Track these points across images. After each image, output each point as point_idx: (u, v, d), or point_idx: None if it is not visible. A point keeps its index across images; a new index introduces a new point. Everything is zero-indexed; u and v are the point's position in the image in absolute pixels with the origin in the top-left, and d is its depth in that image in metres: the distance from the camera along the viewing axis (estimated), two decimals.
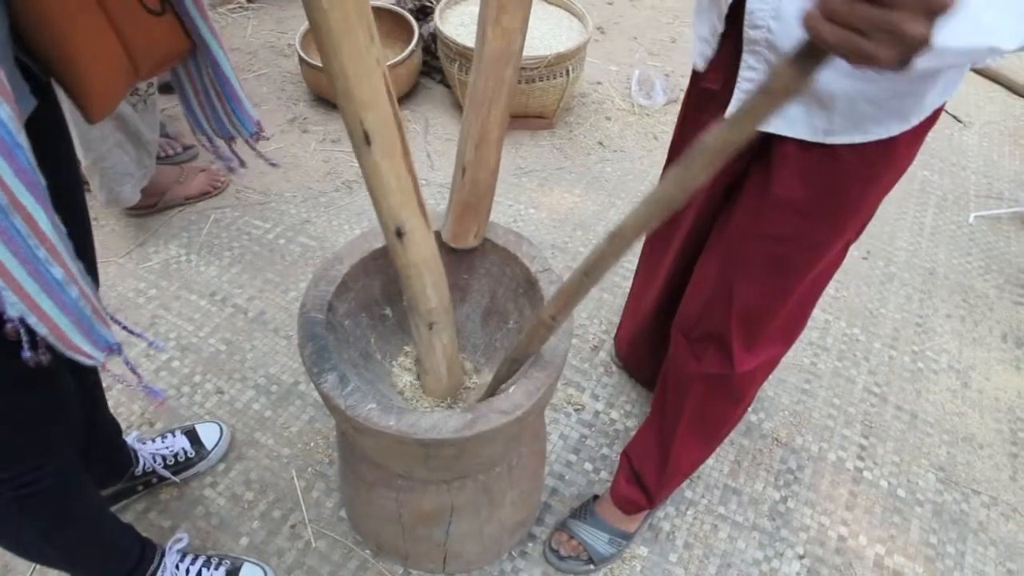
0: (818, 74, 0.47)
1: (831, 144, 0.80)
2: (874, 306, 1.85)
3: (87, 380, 1.04)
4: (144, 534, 1.23)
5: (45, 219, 0.54)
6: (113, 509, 1.26)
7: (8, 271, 0.53)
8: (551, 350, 0.93)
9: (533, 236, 1.92)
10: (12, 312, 0.55)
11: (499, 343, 1.11)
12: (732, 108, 0.82)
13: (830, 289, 1.87)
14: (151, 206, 1.85)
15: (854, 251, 2.00)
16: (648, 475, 1.23)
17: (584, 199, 2.09)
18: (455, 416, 0.86)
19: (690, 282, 1.09)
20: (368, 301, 1.06)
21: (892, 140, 0.79)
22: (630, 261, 1.84)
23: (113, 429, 1.19)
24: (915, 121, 0.79)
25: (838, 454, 1.52)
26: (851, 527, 1.40)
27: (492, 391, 1.01)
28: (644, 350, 1.48)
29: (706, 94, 0.93)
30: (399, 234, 0.82)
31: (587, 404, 1.56)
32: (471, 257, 1.08)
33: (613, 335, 1.66)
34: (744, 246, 0.95)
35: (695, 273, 1.08)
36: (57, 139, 0.76)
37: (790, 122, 0.80)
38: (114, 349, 0.67)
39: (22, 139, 0.51)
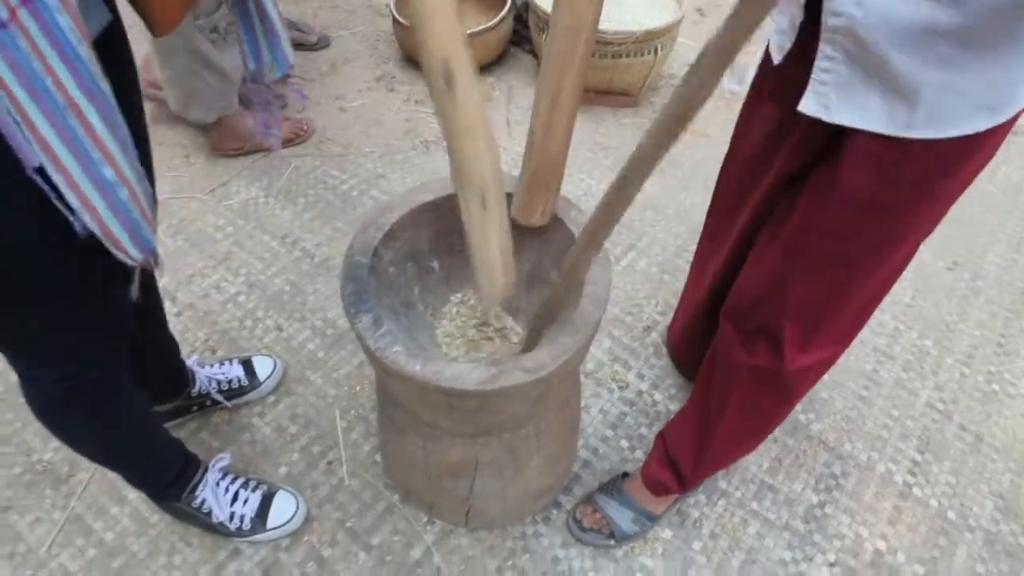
0: None
1: (908, 139, 0.75)
2: (952, 320, 1.74)
3: (148, 298, 1.12)
4: (192, 450, 1.32)
5: (99, 122, 0.58)
6: (169, 425, 1.36)
7: (64, 167, 0.57)
8: (582, 316, 0.93)
9: None
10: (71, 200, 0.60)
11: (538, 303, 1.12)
12: (807, 98, 0.78)
13: (905, 297, 1.77)
14: (237, 149, 1.94)
15: (939, 261, 1.89)
16: (683, 460, 1.21)
17: (658, 181, 2.04)
18: (479, 369, 0.87)
19: (743, 270, 1.06)
20: (415, 251, 1.09)
21: (976, 136, 0.74)
22: (694, 247, 1.80)
23: (171, 348, 1.27)
24: (1006, 115, 0.73)
25: (888, 466, 1.45)
26: (891, 542, 1.34)
27: (532, 342, 1.02)
28: (693, 346, 1.45)
29: (776, 84, 0.89)
30: (448, 79, 0.69)
31: (632, 382, 1.55)
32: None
33: (670, 318, 1.63)
34: (806, 241, 0.91)
35: (749, 262, 1.05)
36: (121, 59, 0.80)
37: (867, 114, 0.75)
38: (151, 253, 0.72)
39: (83, 50, 0.55)
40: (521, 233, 1.10)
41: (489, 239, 0.83)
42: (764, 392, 1.09)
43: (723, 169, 1.21)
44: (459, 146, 0.75)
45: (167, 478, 1.15)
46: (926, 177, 0.79)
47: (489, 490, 1.18)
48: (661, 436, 1.29)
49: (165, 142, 2.00)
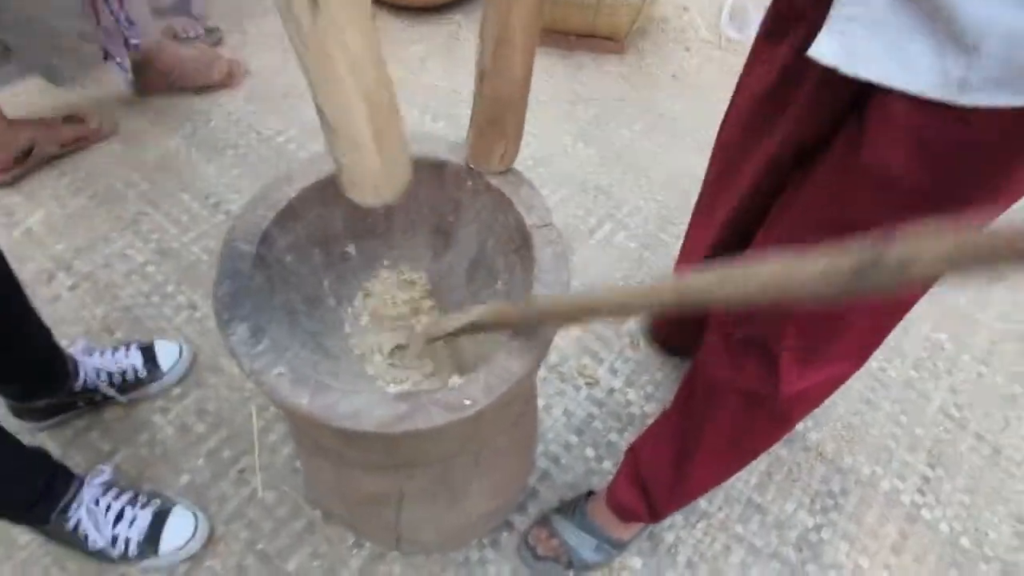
0: None
1: (962, 106, 0.52)
2: (971, 311, 1.54)
3: None
4: (79, 456, 1.11)
5: None
6: (49, 423, 1.14)
7: None
8: (536, 330, 0.71)
9: (575, 174, 1.66)
10: None
11: (484, 303, 0.90)
12: (821, 39, 0.56)
13: None
14: (159, 87, 1.67)
15: None
16: (656, 487, 1.01)
17: (643, 138, 1.80)
18: (384, 404, 0.66)
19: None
20: (324, 235, 0.85)
21: None
22: (682, 219, 1.57)
23: (39, 334, 1.04)
24: None
25: (893, 483, 1.26)
26: (894, 574, 1.16)
27: (442, 334, 0.79)
28: (680, 324, 1.24)
29: (788, 18, 0.66)
30: None
31: (602, 379, 1.34)
32: (459, 195, 0.86)
33: None
34: (816, 232, 0.69)
35: (747, 252, 0.83)
36: None
37: (906, 66, 0.53)
38: None
39: None
40: (464, 212, 0.87)
41: (335, 65, 0.48)
42: (753, 418, 0.88)
43: (720, 131, 0.98)
44: None
45: (24, 498, 0.94)
46: (986, 161, 0.57)
47: (420, 519, 0.97)
48: (632, 452, 1.08)
49: None
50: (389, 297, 0.93)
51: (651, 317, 1.39)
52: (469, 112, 0.78)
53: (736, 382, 0.84)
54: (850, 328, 0.75)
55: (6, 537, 1.06)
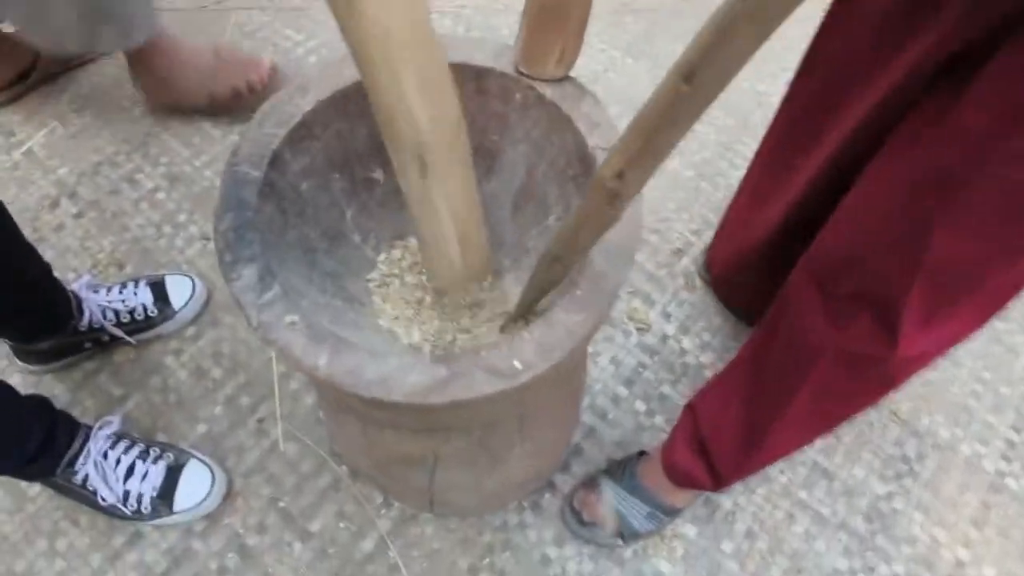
0: None
1: None
2: None
3: None
4: (89, 401, 1.03)
5: None
6: (55, 366, 1.05)
7: None
8: (593, 281, 0.58)
9: (624, 93, 1.49)
10: None
11: (533, 243, 0.76)
12: None
13: None
14: (169, 103, 1.35)
15: None
16: (721, 451, 0.89)
17: None
18: (419, 368, 0.54)
19: (844, 206, 0.70)
20: (345, 156, 0.72)
21: None
22: (746, 144, 1.40)
23: (34, 269, 0.93)
24: None
25: (975, 447, 1.13)
26: (975, 550, 1.04)
27: (525, 309, 0.68)
28: (745, 275, 1.09)
29: None
30: None
31: (654, 324, 1.21)
32: (504, 110, 0.71)
33: (707, 244, 1.26)
34: (966, 172, 0.54)
35: (854, 193, 0.69)
36: None
37: None
38: None
39: None
40: (511, 130, 0.73)
41: (438, 212, 0.59)
42: (854, 381, 0.75)
43: (816, 44, 0.82)
44: (376, 77, 0.47)
45: (26, 452, 0.85)
46: None
47: (456, 483, 0.87)
48: (691, 409, 0.96)
49: None
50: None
51: (708, 262, 1.24)
52: (509, 24, 0.62)
53: (836, 342, 0.70)
54: (986, 282, 0.61)
55: (15, 489, 0.99)
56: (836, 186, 0.77)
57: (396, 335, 0.73)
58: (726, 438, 0.89)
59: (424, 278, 0.76)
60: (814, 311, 0.72)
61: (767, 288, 1.11)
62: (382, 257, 0.77)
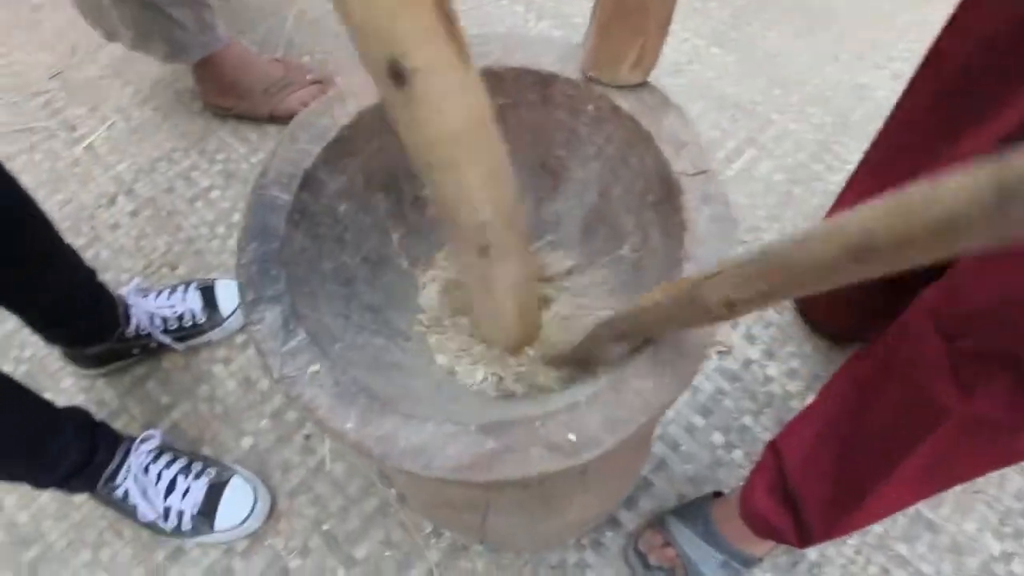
0: None
1: None
2: None
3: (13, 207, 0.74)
4: (137, 409, 1.00)
5: None
6: (104, 371, 1.03)
7: None
8: (680, 336, 0.48)
9: (709, 87, 1.36)
10: None
11: (603, 273, 0.67)
12: None
13: None
14: (225, 108, 1.31)
15: None
16: (811, 506, 0.78)
17: (796, 42, 1.45)
18: (463, 438, 0.45)
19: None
20: (390, 173, 0.64)
21: None
22: (844, 145, 1.26)
23: (77, 274, 0.90)
24: None
25: None
26: None
27: (570, 356, 0.59)
28: (839, 303, 0.97)
29: None
30: (398, 76, 0.35)
31: (736, 347, 1.09)
32: (573, 123, 0.61)
33: None
34: None
35: None
36: None
37: None
38: None
39: None
40: (581, 144, 0.63)
41: (493, 288, 0.54)
42: (979, 448, 0.63)
43: (947, 34, 0.69)
44: (434, 173, 0.43)
45: (64, 468, 0.82)
46: None
47: (509, 527, 0.80)
48: (775, 450, 0.84)
49: None
50: None
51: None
52: (583, 12, 0.53)
53: (964, 406, 0.58)
54: None
55: (61, 496, 0.97)
56: None
57: (455, 374, 0.65)
58: (817, 492, 0.78)
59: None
60: (939, 368, 0.60)
61: (866, 313, 0.98)
62: (427, 288, 0.69)
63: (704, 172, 0.53)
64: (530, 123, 0.63)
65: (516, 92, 0.61)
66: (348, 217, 0.61)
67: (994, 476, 0.99)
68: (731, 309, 0.36)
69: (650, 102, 0.56)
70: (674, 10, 0.53)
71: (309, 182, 0.56)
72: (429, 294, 0.68)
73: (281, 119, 1.27)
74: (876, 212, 0.24)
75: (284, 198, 0.54)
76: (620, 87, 0.57)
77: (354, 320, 0.59)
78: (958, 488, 0.98)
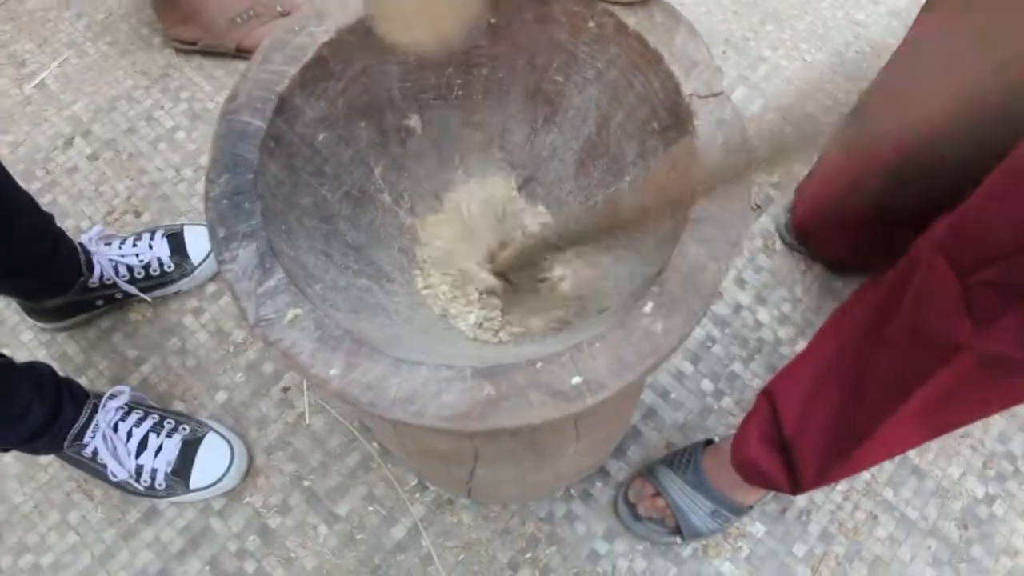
0: None
1: None
2: None
3: None
4: (103, 363, 0.95)
5: None
6: (67, 324, 0.97)
7: None
8: (694, 272, 0.45)
9: (699, 23, 1.30)
10: None
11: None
12: None
13: None
14: (189, 43, 1.22)
15: None
16: (805, 452, 0.76)
17: None
18: (458, 383, 0.42)
19: (997, 171, 0.55)
20: (373, 99, 0.58)
21: None
22: (838, 85, 1.22)
23: (33, 220, 0.83)
24: None
25: None
26: None
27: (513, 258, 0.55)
28: (838, 229, 0.95)
29: None
30: None
31: (726, 291, 1.07)
32: (573, 42, 0.56)
33: (791, 201, 1.10)
34: None
35: (1015, 157, 0.53)
36: None
37: None
38: None
39: None
40: (579, 67, 0.58)
41: None
42: (987, 386, 0.61)
43: None
44: None
45: (26, 429, 0.77)
46: None
47: (498, 480, 0.77)
48: (768, 397, 0.83)
49: None
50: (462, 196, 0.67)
51: (793, 215, 1.08)
52: None
53: (975, 340, 0.56)
54: None
55: (26, 457, 0.92)
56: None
57: (447, 316, 0.61)
58: (813, 437, 0.76)
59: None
60: (952, 303, 0.57)
61: (864, 241, 0.96)
62: (420, 223, 0.64)
63: (718, 95, 0.49)
64: (524, 44, 0.58)
65: (510, 11, 0.56)
66: (327, 148, 0.56)
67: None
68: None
69: (659, 19, 0.51)
70: None
71: (284, 107, 0.51)
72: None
73: (248, 53, 1.18)
74: None
75: (256, 124, 0.49)
76: (626, 3, 0.52)
77: (335, 259, 0.54)
78: None
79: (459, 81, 0.61)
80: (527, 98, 0.61)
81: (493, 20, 0.56)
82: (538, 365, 0.43)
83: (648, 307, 0.44)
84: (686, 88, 0.49)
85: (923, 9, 0.78)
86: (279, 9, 1.20)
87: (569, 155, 0.63)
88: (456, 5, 0.32)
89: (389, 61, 0.57)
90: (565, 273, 0.64)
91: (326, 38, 0.53)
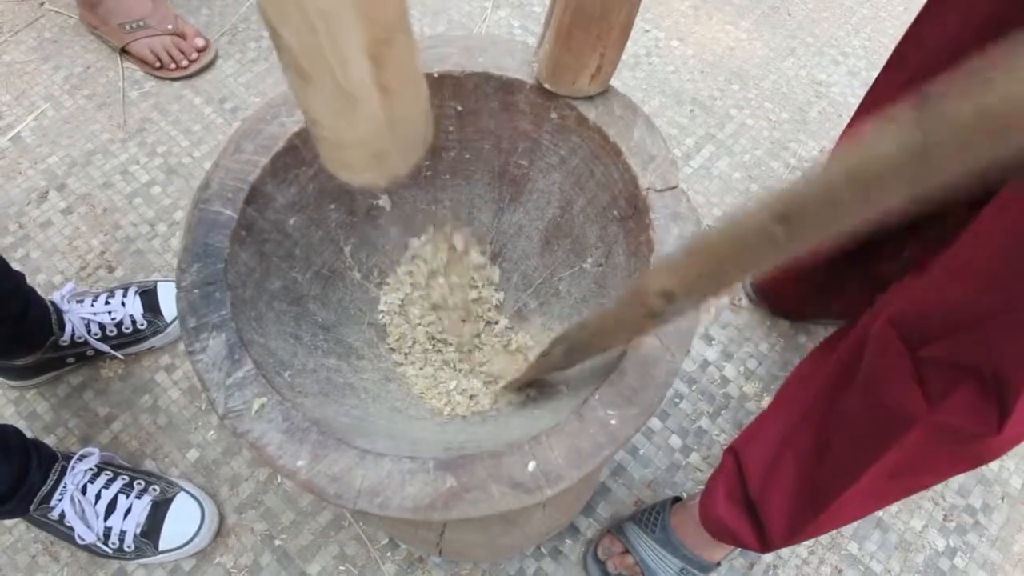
0: None
1: None
2: None
3: None
4: (73, 421, 0.94)
5: None
6: (36, 382, 0.97)
7: None
8: (648, 365, 0.47)
9: (667, 82, 1.35)
10: None
11: (565, 286, 0.65)
12: None
13: None
14: (92, 26, 1.31)
15: None
16: (772, 513, 0.78)
17: (752, 37, 1.45)
18: (421, 475, 0.43)
19: (942, 257, 0.58)
20: (343, 183, 0.60)
21: None
22: (802, 143, 1.27)
23: (6, 282, 0.84)
24: None
25: None
26: None
27: (528, 380, 0.57)
28: (786, 279, 0.98)
29: None
30: None
31: (694, 348, 1.09)
32: (536, 132, 0.59)
33: None
34: None
35: (962, 244, 0.56)
36: None
37: None
38: None
39: None
40: (542, 154, 0.61)
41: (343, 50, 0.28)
42: (943, 455, 0.64)
43: (911, 34, 0.70)
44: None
45: None
46: None
47: (467, 543, 0.78)
48: (734, 455, 0.85)
49: None
50: (432, 266, 0.69)
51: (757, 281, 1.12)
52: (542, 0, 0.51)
53: (930, 416, 0.59)
54: None
55: None
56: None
57: (411, 388, 0.63)
58: (778, 499, 0.78)
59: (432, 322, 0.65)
60: (902, 376, 0.60)
61: (820, 299, 1.00)
62: (383, 299, 0.66)
63: (673, 188, 0.52)
64: (491, 130, 0.60)
65: (476, 98, 0.58)
66: (298, 231, 0.57)
67: None
68: (670, 299, 0.34)
69: (618, 112, 0.54)
70: (635, 19, 0.51)
71: (256, 196, 0.52)
72: (389, 304, 0.65)
73: (131, 58, 1.29)
74: (804, 178, 0.24)
75: (228, 214, 0.51)
76: (579, 98, 0.55)
77: (305, 341, 0.56)
78: None
79: (428, 162, 0.63)
80: (493, 179, 0.63)
81: (460, 108, 0.59)
82: (500, 460, 0.44)
83: (604, 397, 0.46)
84: (643, 182, 0.52)
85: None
86: (170, 27, 1.26)
87: (535, 233, 0.65)
88: (402, 148, 0.34)
89: None
90: (527, 341, 0.65)
91: (296, 128, 0.55)
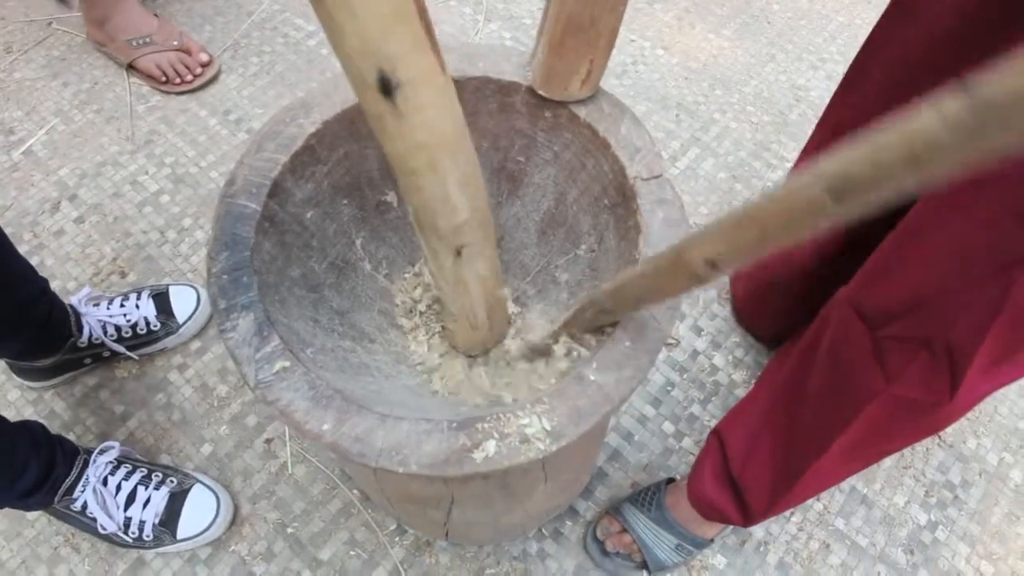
0: None
1: None
2: None
3: None
4: (91, 419, 0.98)
5: None
6: (54, 383, 1.01)
7: None
8: (641, 329, 0.52)
9: (654, 88, 1.41)
10: None
11: (560, 272, 0.70)
12: None
13: None
14: (99, 43, 1.36)
15: None
16: (751, 487, 0.83)
17: (734, 45, 1.51)
18: (437, 434, 0.48)
19: (895, 235, 0.63)
20: (354, 179, 0.66)
21: None
22: (783, 144, 1.33)
23: (30, 284, 0.88)
24: None
25: None
26: None
27: (555, 338, 0.61)
28: (769, 312, 1.03)
29: None
30: (386, 87, 0.37)
31: (684, 338, 1.14)
32: (532, 130, 0.64)
33: (726, 289, 1.18)
34: None
35: (918, 234, 0.61)
36: None
37: None
38: None
39: None
40: (538, 150, 0.66)
41: (467, 289, 0.55)
42: (902, 423, 0.69)
43: (864, 54, 0.75)
44: (415, 181, 0.45)
45: (22, 487, 0.81)
46: None
47: (473, 521, 0.82)
48: (718, 437, 0.90)
49: None
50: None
51: (732, 293, 1.17)
52: (532, 12, 0.55)
53: (888, 387, 0.64)
54: None
55: (13, 513, 0.95)
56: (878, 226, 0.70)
57: (429, 377, 0.67)
58: (757, 473, 0.83)
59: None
60: (863, 352, 0.65)
61: (792, 320, 1.04)
62: (397, 288, 0.71)
63: (658, 176, 0.57)
64: (489, 130, 0.65)
65: (476, 101, 0.63)
66: (314, 224, 0.62)
67: (920, 451, 1.07)
68: (714, 267, 0.38)
69: (607, 110, 0.59)
70: (620, 26, 0.57)
71: (277, 191, 0.57)
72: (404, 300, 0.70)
73: (137, 73, 1.34)
74: (854, 149, 0.26)
75: (252, 207, 0.56)
76: (570, 103, 0.60)
77: (323, 324, 0.61)
78: (888, 463, 1.06)
79: None
80: (492, 175, 0.68)
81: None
82: (507, 417, 0.49)
83: (601, 363, 0.50)
84: (631, 172, 0.57)
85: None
86: (175, 44, 1.31)
87: (532, 225, 0.70)
88: (493, 341, 0.63)
89: (368, 147, 0.64)
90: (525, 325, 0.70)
91: (313, 129, 0.60)
